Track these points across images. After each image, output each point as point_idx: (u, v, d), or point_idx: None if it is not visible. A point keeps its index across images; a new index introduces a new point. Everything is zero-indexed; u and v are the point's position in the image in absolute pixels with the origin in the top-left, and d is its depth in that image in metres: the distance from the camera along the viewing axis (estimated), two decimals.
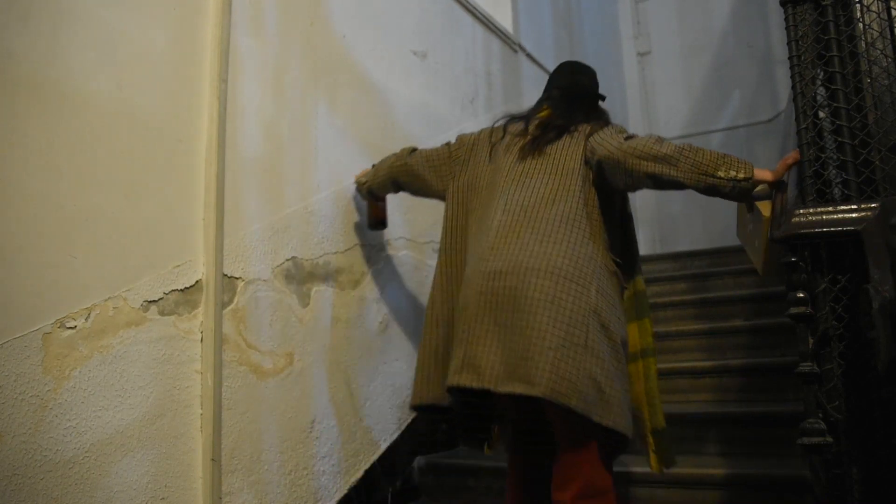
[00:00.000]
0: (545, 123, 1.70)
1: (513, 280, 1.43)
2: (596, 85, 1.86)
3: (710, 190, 1.43)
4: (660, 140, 1.48)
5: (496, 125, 1.82)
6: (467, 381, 1.42)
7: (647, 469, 1.98)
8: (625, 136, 1.55)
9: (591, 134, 1.61)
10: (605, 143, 1.55)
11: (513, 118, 1.80)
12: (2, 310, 1.28)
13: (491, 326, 1.43)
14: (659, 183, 1.48)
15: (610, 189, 1.61)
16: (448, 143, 1.90)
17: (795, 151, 1.33)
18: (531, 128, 1.71)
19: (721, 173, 1.39)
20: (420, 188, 1.94)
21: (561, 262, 1.44)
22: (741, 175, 1.39)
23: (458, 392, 1.50)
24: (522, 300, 1.41)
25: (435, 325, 1.65)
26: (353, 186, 2.23)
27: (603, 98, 1.84)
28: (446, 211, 1.78)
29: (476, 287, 1.48)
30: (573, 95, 1.79)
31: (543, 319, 1.38)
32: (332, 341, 2.07)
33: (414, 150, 1.99)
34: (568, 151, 1.61)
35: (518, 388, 1.36)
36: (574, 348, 1.37)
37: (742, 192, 1.41)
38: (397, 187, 2.03)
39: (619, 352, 1.46)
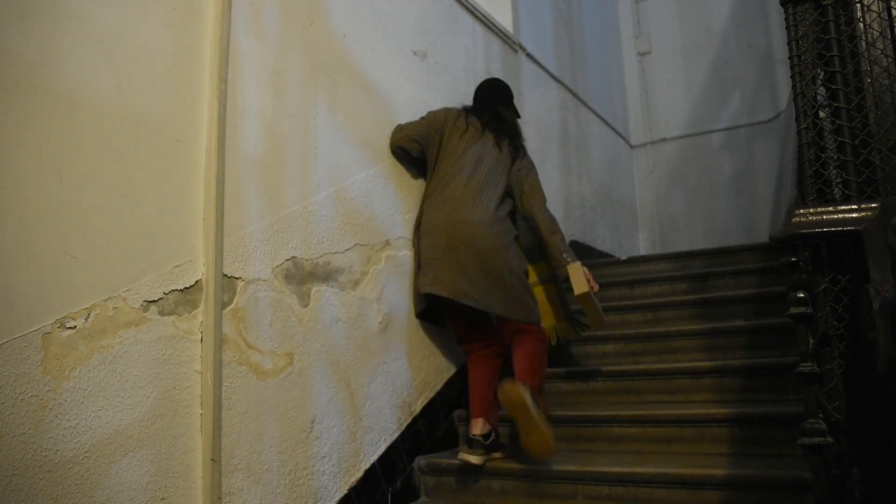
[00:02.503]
0: (497, 129, 2.46)
1: (468, 230, 2.27)
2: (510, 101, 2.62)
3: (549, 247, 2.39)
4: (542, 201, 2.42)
5: (453, 110, 2.50)
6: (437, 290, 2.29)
7: (649, 469, 1.98)
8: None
9: (513, 161, 2.43)
10: (523, 179, 2.44)
11: (469, 113, 2.49)
12: (2, 310, 1.28)
13: (454, 259, 2.27)
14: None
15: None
16: (423, 118, 2.51)
17: None
18: (489, 128, 2.46)
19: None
20: (405, 157, 2.51)
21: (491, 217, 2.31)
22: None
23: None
24: (475, 244, 2.26)
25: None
26: (353, 186, 2.23)
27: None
28: (432, 164, 2.46)
29: (446, 230, 2.31)
30: (504, 118, 2.53)
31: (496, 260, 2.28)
32: (332, 341, 2.07)
33: (400, 127, 2.53)
34: (501, 155, 2.43)
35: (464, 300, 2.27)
36: (499, 278, 2.27)
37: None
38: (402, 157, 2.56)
39: (523, 278, 2.36)
